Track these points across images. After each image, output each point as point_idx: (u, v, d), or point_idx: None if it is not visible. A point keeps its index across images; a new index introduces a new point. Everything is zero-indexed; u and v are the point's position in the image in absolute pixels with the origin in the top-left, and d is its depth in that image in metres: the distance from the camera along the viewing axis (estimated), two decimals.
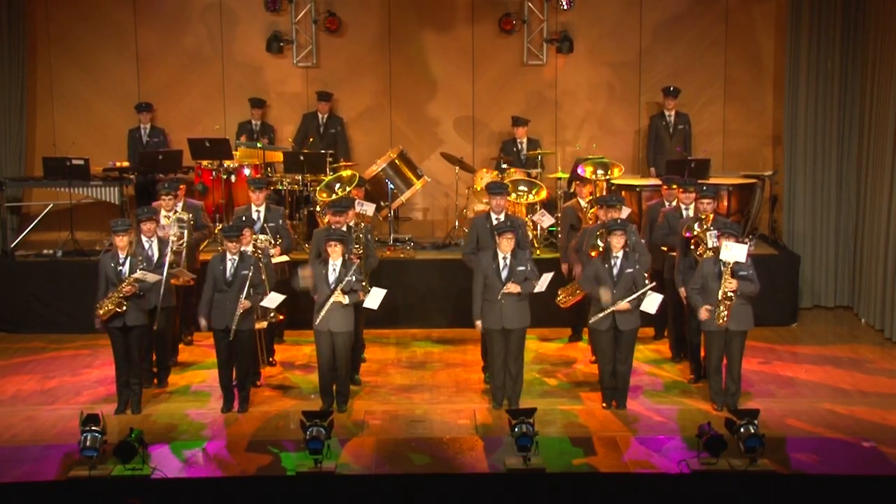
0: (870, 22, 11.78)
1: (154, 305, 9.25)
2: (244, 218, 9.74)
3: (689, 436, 8.21)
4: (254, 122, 12.90)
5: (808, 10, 12.16)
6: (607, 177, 11.06)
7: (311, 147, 12.38)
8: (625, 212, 10.31)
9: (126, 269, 8.84)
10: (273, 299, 9.26)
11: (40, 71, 13.17)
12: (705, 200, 9.55)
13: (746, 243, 8.79)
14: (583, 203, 10.58)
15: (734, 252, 8.64)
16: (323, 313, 8.85)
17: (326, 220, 9.83)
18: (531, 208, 11.69)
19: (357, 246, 9.59)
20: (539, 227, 11.65)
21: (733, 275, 8.69)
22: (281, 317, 9.74)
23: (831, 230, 12.37)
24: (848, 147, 12.23)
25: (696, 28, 13.27)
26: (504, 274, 8.89)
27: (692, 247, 9.35)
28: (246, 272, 8.90)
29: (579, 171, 11.19)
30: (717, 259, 8.81)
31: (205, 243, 10.72)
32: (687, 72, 13.22)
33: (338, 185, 11.11)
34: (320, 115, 12.87)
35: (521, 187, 11.62)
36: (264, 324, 9.55)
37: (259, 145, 12.29)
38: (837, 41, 12.11)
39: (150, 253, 9.26)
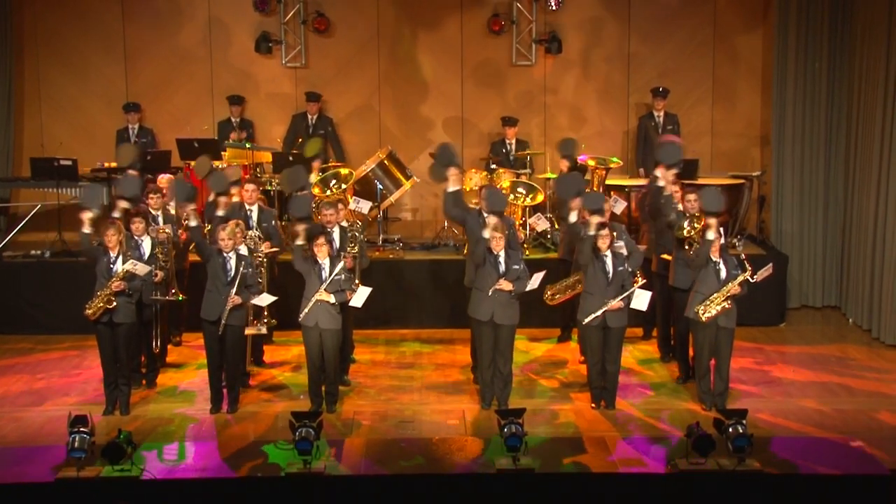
0: (857, 23, 11.83)
1: (140, 299, 9.24)
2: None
3: (678, 436, 8.24)
4: (233, 119, 12.91)
5: (796, 10, 12.20)
6: (606, 166, 11.49)
7: (300, 148, 12.37)
8: (620, 206, 10.38)
9: (118, 266, 8.82)
10: (264, 299, 9.26)
11: (28, 71, 13.13)
12: (692, 196, 9.60)
13: (771, 270, 9.13)
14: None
15: (764, 275, 8.98)
16: (308, 309, 8.85)
17: (319, 218, 9.82)
18: (527, 210, 11.73)
19: (352, 245, 9.59)
20: (530, 229, 11.67)
21: (741, 284, 8.82)
22: (274, 321, 9.75)
23: (819, 230, 12.41)
24: (835, 147, 12.28)
25: (684, 29, 13.31)
26: (501, 268, 8.90)
27: (686, 247, 9.41)
28: (244, 271, 8.91)
29: (581, 158, 11.35)
30: (709, 258, 8.88)
31: (186, 240, 10.66)
32: (675, 72, 13.26)
33: (333, 182, 11.10)
34: (310, 117, 12.87)
35: (519, 189, 11.65)
36: (263, 329, 9.57)
37: (248, 146, 12.27)
38: (825, 42, 12.16)
39: (142, 251, 9.24)
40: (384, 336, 11.35)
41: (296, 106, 13.20)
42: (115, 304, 8.77)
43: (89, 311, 8.80)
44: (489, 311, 8.94)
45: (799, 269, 12.38)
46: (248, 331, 9.59)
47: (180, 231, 10.01)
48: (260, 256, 9.67)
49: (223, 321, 8.87)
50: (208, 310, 8.95)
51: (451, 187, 9.33)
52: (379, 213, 12.00)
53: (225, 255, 8.93)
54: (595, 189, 11.36)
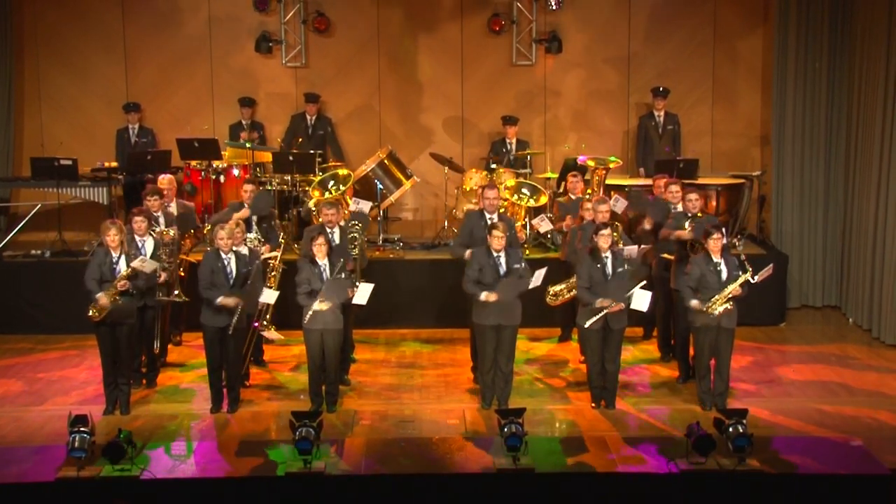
0: (857, 23, 11.82)
1: (144, 303, 9.23)
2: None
3: (678, 435, 8.24)
4: (244, 121, 12.92)
5: (796, 10, 12.21)
6: (605, 166, 11.50)
7: (299, 148, 12.37)
8: (620, 206, 10.38)
9: (121, 266, 8.80)
10: (269, 296, 9.24)
11: (28, 71, 13.13)
12: (693, 196, 9.60)
13: (771, 270, 9.05)
14: (574, 198, 10.63)
15: (765, 276, 8.93)
16: (311, 312, 8.85)
17: (320, 219, 9.82)
18: (530, 211, 11.73)
19: (352, 246, 9.58)
20: (532, 230, 11.66)
21: (742, 285, 8.80)
22: (274, 325, 9.77)
23: (819, 230, 12.41)
24: (836, 147, 12.28)
25: (684, 29, 13.31)
26: (501, 270, 8.88)
27: (688, 247, 9.41)
28: (246, 270, 8.90)
29: (581, 159, 11.34)
30: (710, 259, 8.87)
31: (191, 246, 10.66)
32: (675, 72, 13.26)
33: (332, 184, 11.09)
34: (308, 117, 12.87)
35: (523, 190, 11.63)
36: (277, 335, 9.57)
37: (248, 145, 12.28)
38: (825, 41, 12.16)
39: (143, 252, 9.21)
40: (384, 336, 11.35)
41: (296, 105, 13.20)
42: (120, 303, 8.76)
43: (94, 313, 8.78)
44: (493, 315, 8.92)
45: (799, 269, 12.38)
46: (268, 335, 9.59)
47: (186, 237, 10.04)
48: (270, 262, 9.68)
49: (233, 324, 8.85)
50: (211, 316, 8.91)
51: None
52: (379, 212, 12.01)
53: (224, 256, 8.92)
54: (595, 190, 11.38)
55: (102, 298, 8.70)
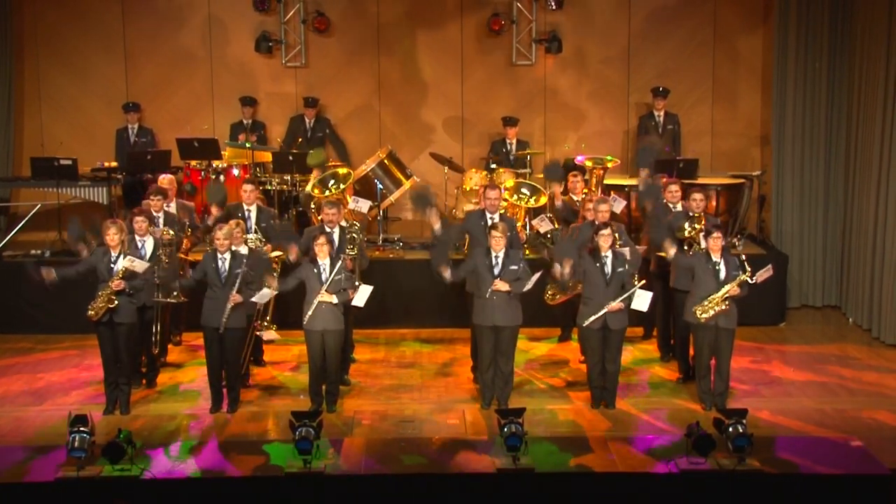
0: (857, 22, 11.83)
1: (143, 303, 9.23)
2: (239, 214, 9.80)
3: (678, 435, 8.24)
4: (245, 121, 12.92)
5: (796, 10, 12.21)
6: (603, 166, 11.55)
7: (299, 149, 12.37)
8: (619, 205, 10.37)
9: (119, 266, 8.81)
10: (263, 295, 9.24)
11: (28, 71, 13.13)
12: (697, 196, 9.58)
13: (771, 271, 9.03)
14: (575, 198, 10.63)
15: (764, 276, 8.91)
16: (311, 312, 8.84)
17: (320, 217, 9.81)
18: (530, 212, 11.73)
19: (351, 246, 9.58)
20: (532, 230, 11.65)
21: (740, 285, 8.79)
22: (274, 325, 9.76)
23: (819, 230, 12.41)
24: (836, 147, 12.28)
25: (684, 28, 13.30)
26: (497, 272, 8.89)
27: (686, 247, 9.40)
28: (239, 270, 8.89)
29: (578, 159, 11.32)
30: (710, 258, 8.86)
31: (190, 246, 10.65)
32: (675, 72, 13.26)
33: (332, 182, 11.09)
34: (307, 120, 12.86)
35: (522, 190, 11.62)
36: (276, 335, 9.56)
37: (248, 145, 12.27)
38: (825, 41, 12.16)
39: (142, 252, 9.20)
40: (384, 336, 11.35)
41: (296, 106, 13.19)
42: (116, 303, 8.76)
43: (91, 312, 8.79)
44: (490, 316, 8.92)
45: (799, 269, 12.38)
46: (265, 335, 9.59)
47: (185, 237, 10.03)
48: (274, 263, 9.68)
49: (224, 321, 8.85)
50: (209, 316, 8.93)
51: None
52: (379, 212, 12.00)
53: (219, 255, 8.92)
54: (593, 189, 11.38)
55: (49, 273, 8.90)
